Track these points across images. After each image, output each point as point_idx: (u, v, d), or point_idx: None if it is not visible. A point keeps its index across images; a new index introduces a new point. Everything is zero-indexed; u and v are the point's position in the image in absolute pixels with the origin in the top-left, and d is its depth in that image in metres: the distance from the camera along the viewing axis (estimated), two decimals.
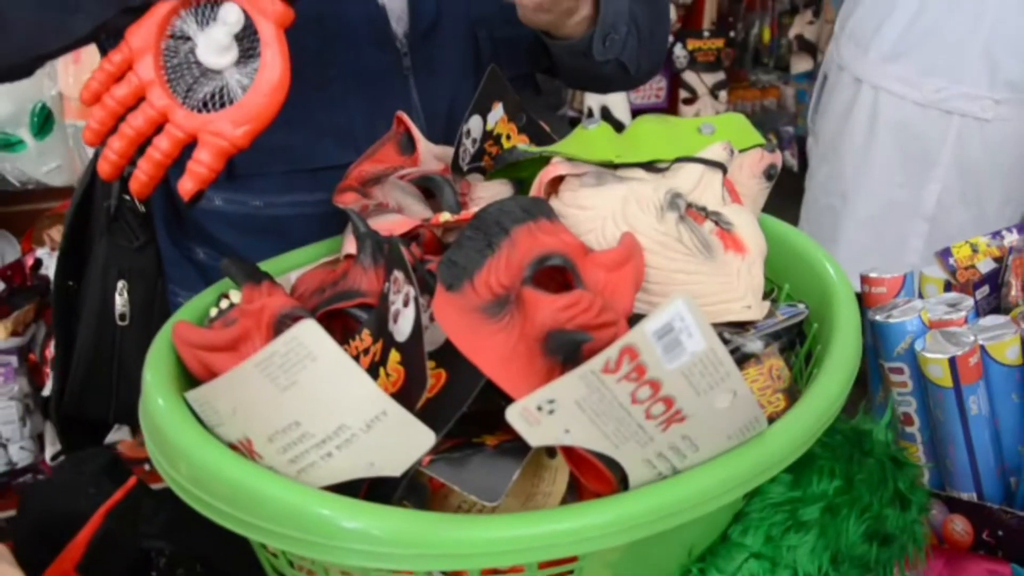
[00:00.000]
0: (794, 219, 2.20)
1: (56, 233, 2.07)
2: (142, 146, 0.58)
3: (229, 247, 0.83)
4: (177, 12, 0.57)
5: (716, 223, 0.58)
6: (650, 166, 0.64)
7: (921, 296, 0.89)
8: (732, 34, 2.69)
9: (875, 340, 0.81)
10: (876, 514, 0.58)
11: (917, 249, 1.91)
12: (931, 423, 0.79)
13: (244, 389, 0.44)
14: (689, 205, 0.58)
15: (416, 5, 0.81)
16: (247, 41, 0.57)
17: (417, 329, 0.46)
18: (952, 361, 0.73)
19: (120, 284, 0.86)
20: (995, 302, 0.86)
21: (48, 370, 2.08)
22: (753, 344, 0.58)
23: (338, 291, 0.55)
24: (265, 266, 0.66)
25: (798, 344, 0.69)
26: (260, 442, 0.45)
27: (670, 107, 2.67)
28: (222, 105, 0.56)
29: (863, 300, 0.86)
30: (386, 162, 0.71)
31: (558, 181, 0.62)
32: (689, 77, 2.62)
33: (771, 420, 0.52)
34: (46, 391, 2.05)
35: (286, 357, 0.42)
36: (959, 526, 0.78)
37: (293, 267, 0.70)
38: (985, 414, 0.76)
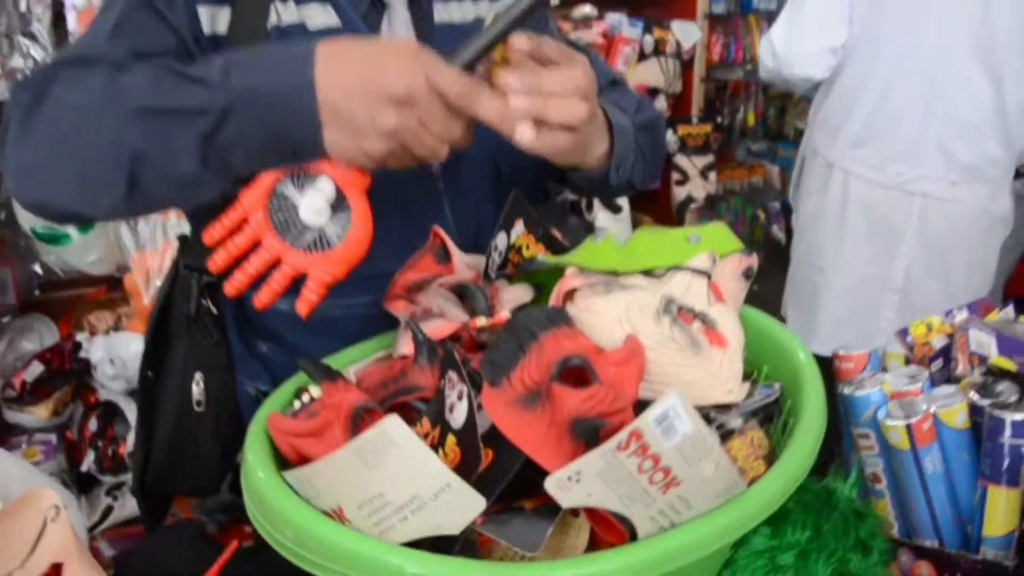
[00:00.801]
0: (782, 284, 2.35)
1: (95, 319, 2.22)
2: None
3: (289, 343, 0.97)
4: (279, 179, 0.73)
5: (703, 322, 0.72)
6: (648, 273, 0.79)
7: (885, 370, 1.02)
8: (719, 119, 2.88)
9: (845, 410, 0.94)
10: (841, 558, 0.71)
11: (889, 318, 2.05)
12: (896, 478, 0.91)
13: (339, 469, 0.58)
14: (680, 308, 0.72)
15: None
16: (337, 199, 0.73)
17: (471, 418, 0.60)
18: (909, 427, 0.86)
19: (197, 375, 1.00)
20: (948, 373, 0.99)
21: (85, 447, 2.20)
22: (735, 421, 0.71)
23: (401, 387, 0.69)
24: (328, 361, 0.81)
25: (777, 416, 0.82)
26: (350, 510, 0.58)
27: (663, 187, 2.84)
28: (321, 248, 0.72)
29: (836, 374, 1.00)
30: (426, 271, 0.86)
31: (573, 289, 0.76)
32: (680, 160, 2.80)
33: (754, 481, 0.65)
34: (84, 466, 2.17)
35: (375, 444, 0.56)
36: (925, 571, 0.90)
37: (351, 362, 0.84)
38: (940, 472, 0.88)
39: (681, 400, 0.54)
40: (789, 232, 3.01)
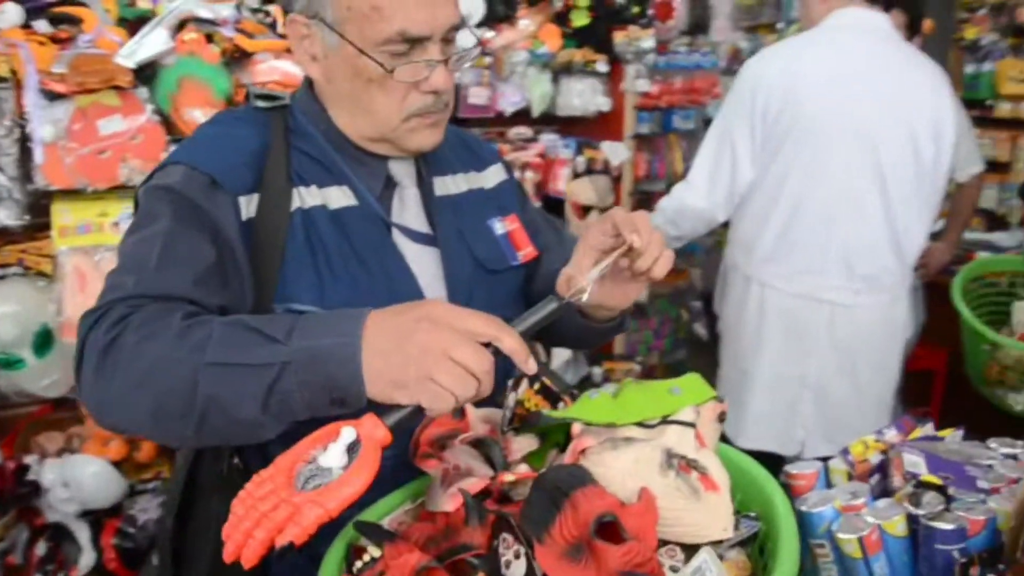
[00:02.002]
0: (709, 377, 2.53)
1: (45, 440, 2.20)
2: None
3: None
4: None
5: (698, 471, 0.86)
6: (641, 424, 0.93)
7: (830, 485, 1.18)
8: None
9: (801, 523, 1.08)
10: None
11: (806, 413, 2.26)
12: None
13: None
14: (680, 460, 0.85)
15: (453, 297, 1.11)
16: (352, 446, 0.82)
17: (531, 571, 0.71)
18: (860, 539, 1.01)
19: None
20: (884, 486, 1.15)
21: (31, 572, 2.17)
22: (730, 553, 0.85)
23: (455, 544, 0.80)
24: (365, 515, 0.91)
25: (751, 541, 0.96)
26: None
27: None
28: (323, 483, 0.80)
29: (788, 491, 1.15)
30: (445, 426, 0.97)
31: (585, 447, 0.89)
32: None
33: None
34: None
35: None
36: None
37: (383, 514, 0.94)
38: (887, 574, 1.04)
39: (711, 555, 0.67)
40: (710, 329, 3.25)
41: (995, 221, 4.47)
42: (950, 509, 1.03)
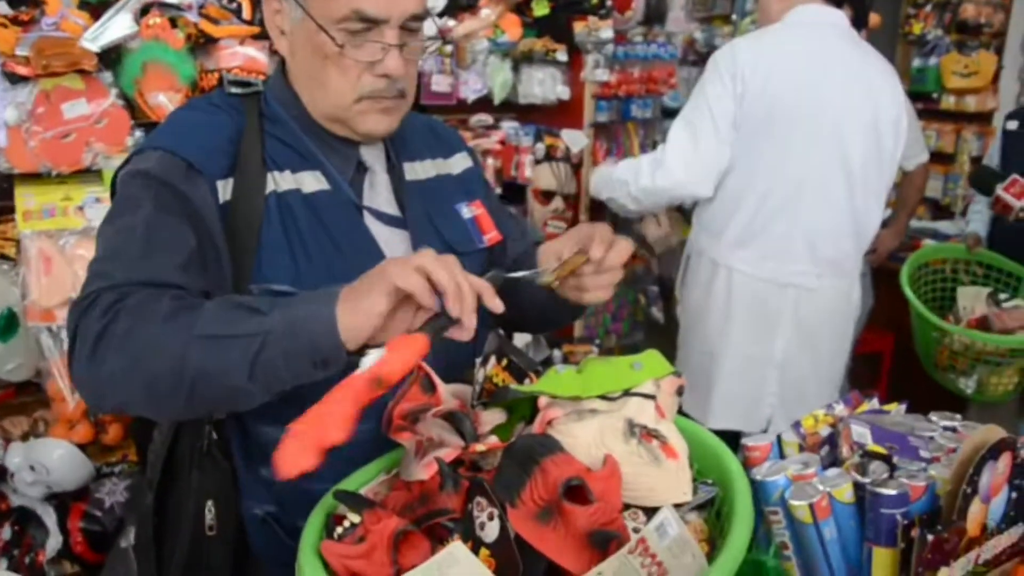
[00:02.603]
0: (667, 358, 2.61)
1: (10, 424, 2.20)
2: None
3: None
4: None
5: (658, 439, 0.91)
6: (604, 397, 0.98)
7: (783, 456, 1.24)
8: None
9: (756, 491, 1.14)
10: None
11: (772, 391, 2.34)
12: (802, 546, 1.12)
13: None
14: (642, 429, 0.91)
15: None
16: None
17: (505, 533, 0.76)
18: (811, 506, 1.07)
19: (209, 503, 1.12)
20: (833, 457, 1.22)
21: None
22: (689, 516, 0.91)
23: (431, 510, 0.85)
24: (343, 485, 0.95)
25: (709, 506, 1.02)
26: None
27: None
28: None
29: (744, 461, 1.21)
30: (416, 400, 1.01)
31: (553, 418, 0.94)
32: None
33: None
34: None
35: (442, 562, 0.71)
36: None
37: (361, 484, 0.98)
38: (835, 538, 1.10)
39: (672, 512, 0.72)
40: (666, 313, 3.34)
41: (940, 210, 4.62)
42: (894, 477, 1.09)
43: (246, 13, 2.17)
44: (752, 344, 2.32)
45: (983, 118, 4.60)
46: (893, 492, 1.04)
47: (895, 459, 1.14)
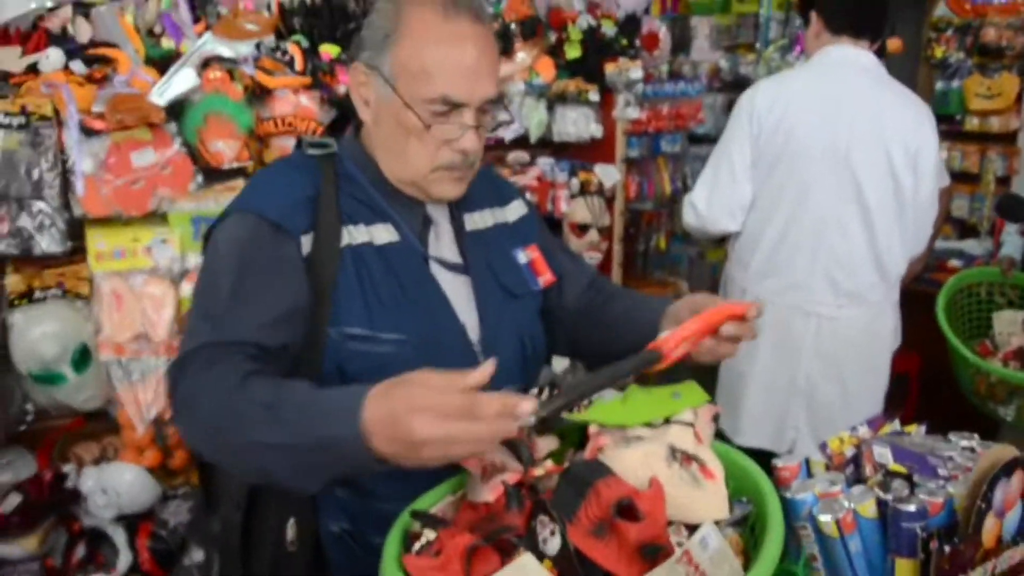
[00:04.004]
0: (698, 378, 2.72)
1: (82, 451, 2.35)
2: None
3: (367, 489, 1.22)
4: None
5: (698, 463, 1.03)
6: (647, 425, 1.10)
7: (811, 475, 1.34)
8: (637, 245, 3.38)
9: (786, 508, 1.24)
10: None
11: (796, 415, 2.44)
12: (829, 558, 1.22)
13: None
14: (683, 454, 1.02)
15: (484, 320, 1.27)
16: None
17: (566, 547, 0.88)
18: (837, 521, 1.17)
19: (290, 520, 1.24)
20: (857, 475, 1.32)
21: (71, 574, 2.30)
22: (726, 531, 1.01)
23: (497, 527, 0.96)
24: (415, 506, 1.07)
25: (743, 522, 1.12)
26: None
27: None
28: None
29: (775, 481, 1.31)
30: None
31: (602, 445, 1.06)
32: None
33: None
34: None
35: (514, 571, 0.83)
36: None
37: (430, 505, 1.10)
38: (860, 550, 1.19)
39: (713, 527, 0.84)
40: None
41: (966, 230, 4.68)
42: (914, 493, 1.19)
43: (298, 65, 2.32)
44: (776, 370, 2.43)
45: (1007, 138, 4.66)
46: (913, 508, 1.13)
47: (915, 477, 1.24)
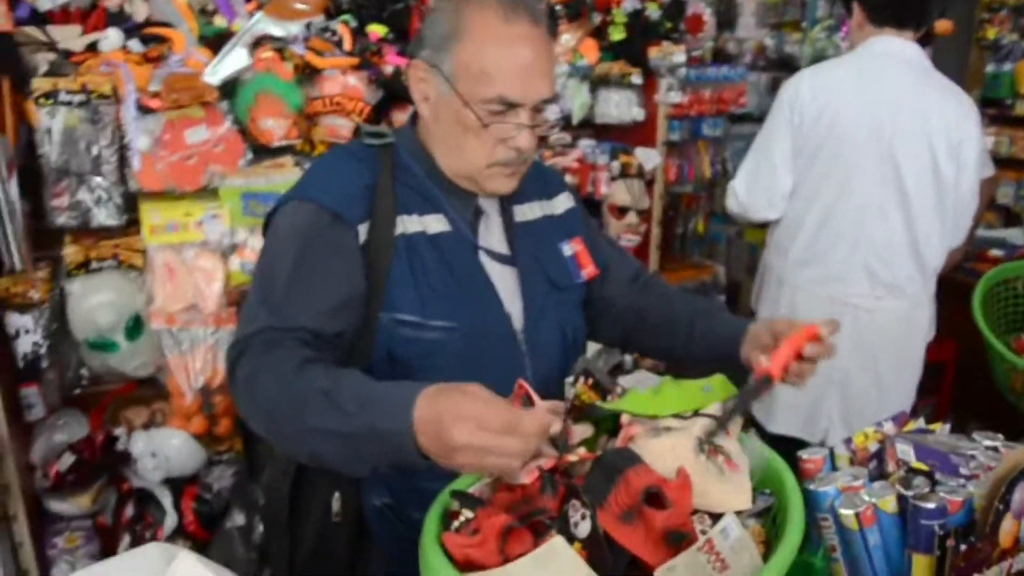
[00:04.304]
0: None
1: (132, 415, 2.45)
2: None
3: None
4: None
5: (723, 455, 1.07)
6: (677, 415, 1.15)
7: (835, 468, 1.38)
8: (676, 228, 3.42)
9: (809, 500, 1.29)
10: None
11: (830, 406, 2.47)
12: (848, 550, 1.26)
13: (518, 571, 0.91)
14: (710, 445, 1.07)
15: (528, 310, 1.32)
16: None
17: (595, 530, 0.93)
18: (857, 515, 1.21)
19: (336, 494, 1.31)
20: (880, 470, 1.36)
21: (120, 532, 2.41)
22: (748, 521, 1.06)
23: (532, 508, 1.02)
24: (454, 486, 1.13)
25: (766, 512, 1.17)
26: None
27: None
28: None
29: (800, 472, 1.35)
30: None
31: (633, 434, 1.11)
32: None
33: None
34: (120, 550, 2.38)
35: (546, 554, 0.89)
36: None
37: (467, 486, 1.16)
38: (879, 544, 1.23)
39: (734, 518, 0.89)
40: None
41: (1011, 217, 4.63)
42: (935, 491, 1.22)
43: (347, 45, 2.37)
44: None
45: None
46: (932, 505, 1.17)
47: (937, 475, 1.27)
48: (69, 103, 2.04)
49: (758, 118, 5.29)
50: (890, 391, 2.49)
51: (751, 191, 2.44)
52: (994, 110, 4.71)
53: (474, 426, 0.95)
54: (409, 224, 1.30)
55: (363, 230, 1.27)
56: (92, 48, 2.17)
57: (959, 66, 4.80)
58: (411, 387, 1.02)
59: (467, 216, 1.35)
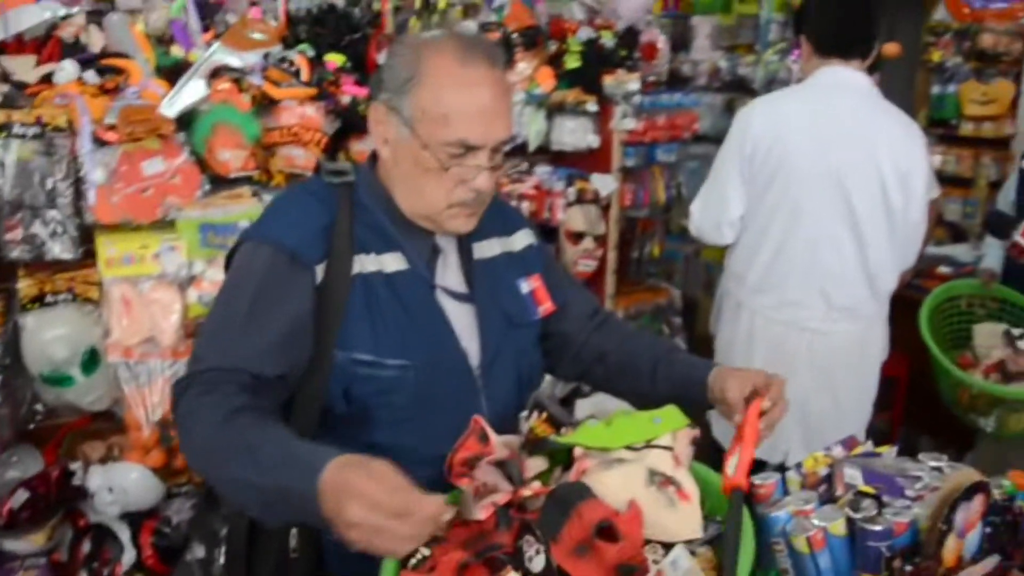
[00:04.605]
0: None
1: (89, 449, 2.42)
2: None
3: None
4: None
5: (674, 486, 1.10)
6: (629, 447, 1.17)
7: (786, 492, 1.42)
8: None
9: (762, 524, 1.32)
10: None
11: (791, 427, 2.51)
12: (800, 573, 1.29)
13: None
14: (661, 478, 1.09)
15: (485, 347, 1.34)
16: None
17: (549, 565, 0.95)
18: (808, 539, 1.24)
19: (293, 530, 1.31)
20: (829, 494, 1.39)
21: (77, 569, 2.37)
22: (699, 548, 1.09)
23: (488, 544, 1.04)
24: None
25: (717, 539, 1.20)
26: None
27: None
28: None
29: (753, 496, 1.38)
30: (471, 450, 1.19)
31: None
32: None
33: None
34: None
35: None
36: None
37: None
38: (830, 566, 1.26)
39: (684, 549, 0.92)
40: (688, 342, 3.55)
41: (958, 234, 4.75)
42: (882, 513, 1.26)
43: (304, 76, 2.39)
44: None
45: (1001, 144, 4.73)
46: (879, 528, 1.21)
47: (884, 497, 1.30)
48: (23, 136, 2.02)
49: (713, 139, 5.42)
50: (848, 412, 2.55)
51: (703, 216, 2.51)
52: (941, 130, 4.84)
53: (367, 505, 0.97)
54: (367, 263, 1.32)
55: (320, 270, 1.28)
56: (47, 79, 2.16)
57: (906, 87, 4.93)
58: (324, 453, 1.04)
59: (425, 255, 1.37)
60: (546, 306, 1.48)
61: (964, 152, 4.80)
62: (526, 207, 2.83)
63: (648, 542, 1.06)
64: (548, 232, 2.99)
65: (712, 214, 2.50)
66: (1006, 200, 3.29)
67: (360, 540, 0.99)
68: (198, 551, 2.40)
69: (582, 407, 3.05)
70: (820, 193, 2.37)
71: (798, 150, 2.37)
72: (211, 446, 1.13)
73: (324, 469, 1.01)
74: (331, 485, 1.00)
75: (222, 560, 2.28)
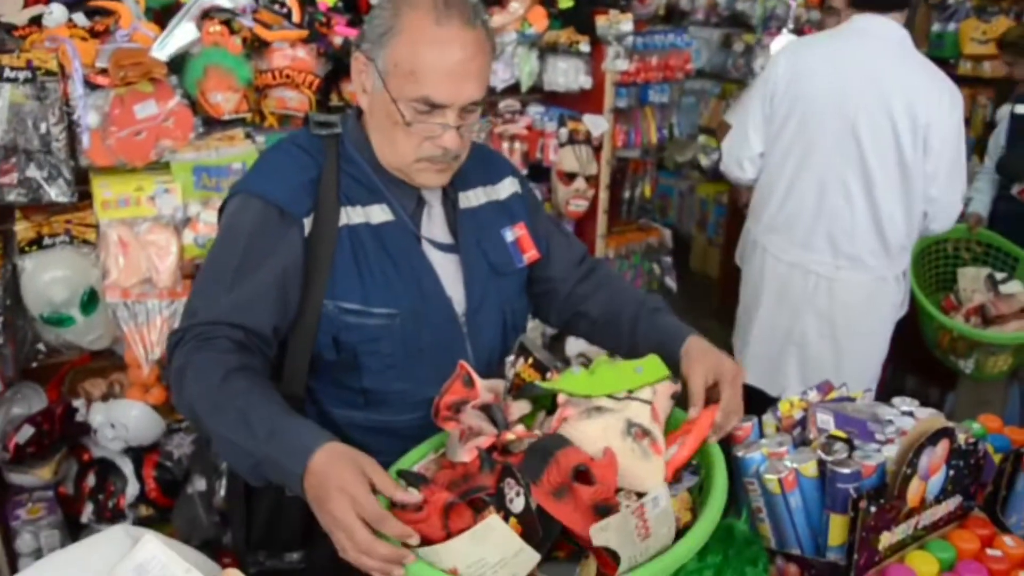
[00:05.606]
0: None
1: (90, 386, 2.48)
2: None
3: (358, 443, 1.33)
4: None
5: (649, 437, 1.15)
6: (611, 396, 1.22)
7: (762, 435, 1.47)
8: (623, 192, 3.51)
9: (737, 465, 1.38)
10: (740, 571, 1.15)
11: (792, 364, 2.60)
12: (772, 511, 1.35)
13: (457, 547, 0.98)
14: (637, 429, 1.15)
15: (470, 296, 1.38)
16: None
17: (529, 507, 1.01)
18: (780, 480, 1.30)
19: None
20: (803, 437, 1.45)
21: (83, 500, 2.45)
22: (674, 489, 1.15)
23: (470, 486, 1.09)
24: (400, 463, 1.20)
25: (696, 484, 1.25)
26: (463, 569, 0.98)
27: None
28: None
29: (731, 438, 1.44)
30: (457, 394, 1.24)
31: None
32: None
33: (685, 525, 1.09)
34: (84, 518, 2.43)
35: (482, 529, 0.96)
36: (792, 571, 1.33)
37: (414, 462, 1.23)
38: (800, 506, 1.32)
39: (665, 490, 0.97)
40: (678, 281, 3.62)
41: None
42: (852, 457, 1.32)
43: (295, 17, 2.38)
44: (775, 320, 2.62)
45: (998, 83, 4.71)
46: (848, 470, 1.26)
47: (855, 441, 1.36)
48: (15, 80, 2.03)
49: (709, 74, 5.38)
50: (850, 360, 2.59)
51: (728, 151, 2.62)
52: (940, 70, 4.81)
53: (349, 504, 1.02)
54: (353, 215, 1.35)
55: (308, 223, 1.31)
56: (36, 21, 2.15)
57: (909, 26, 4.87)
58: (316, 435, 1.11)
59: (409, 206, 1.40)
60: (531, 254, 1.52)
61: (963, 91, 4.76)
62: (518, 147, 2.84)
63: (620, 490, 1.11)
64: (540, 172, 3.02)
65: (735, 150, 2.59)
66: (996, 144, 3.30)
67: (328, 526, 1.05)
68: (199, 484, 2.47)
69: (573, 345, 3.12)
70: (832, 136, 2.40)
71: (815, 91, 2.42)
72: (205, 403, 1.18)
73: (314, 454, 1.07)
74: (319, 469, 1.07)
75: (222, 492, 2.35)
